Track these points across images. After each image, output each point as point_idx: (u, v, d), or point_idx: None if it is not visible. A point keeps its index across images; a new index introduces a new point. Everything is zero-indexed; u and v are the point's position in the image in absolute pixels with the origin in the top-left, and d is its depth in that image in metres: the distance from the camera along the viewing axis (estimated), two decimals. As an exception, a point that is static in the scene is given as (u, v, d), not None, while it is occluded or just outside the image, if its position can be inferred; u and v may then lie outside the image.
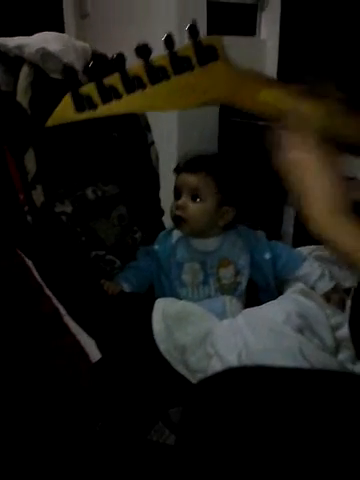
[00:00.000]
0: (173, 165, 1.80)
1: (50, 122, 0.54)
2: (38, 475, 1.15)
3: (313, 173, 0.53)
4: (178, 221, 1.02)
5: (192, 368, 0.85)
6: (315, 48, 1.99)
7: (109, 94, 0.51)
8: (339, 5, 1.83)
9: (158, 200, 1.29)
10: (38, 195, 0.88)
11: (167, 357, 0.86)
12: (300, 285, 0.97)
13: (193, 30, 0.49)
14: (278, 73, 2.22)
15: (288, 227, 2.29)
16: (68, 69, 0.50)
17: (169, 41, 0.49)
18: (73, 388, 1.50)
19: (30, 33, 0.98)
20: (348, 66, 1.81)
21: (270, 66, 2.28)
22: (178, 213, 1.01)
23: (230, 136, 2.05)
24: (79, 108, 0.52)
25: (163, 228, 1.28)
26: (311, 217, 0.53)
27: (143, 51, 0.51)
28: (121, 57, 0.52)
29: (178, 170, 1.04)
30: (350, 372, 0.80)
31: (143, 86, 0.51)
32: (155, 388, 0.95)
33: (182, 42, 1.85)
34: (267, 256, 1.04)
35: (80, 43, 0.99)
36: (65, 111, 0.54)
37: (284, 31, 2.15)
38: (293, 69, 2.13)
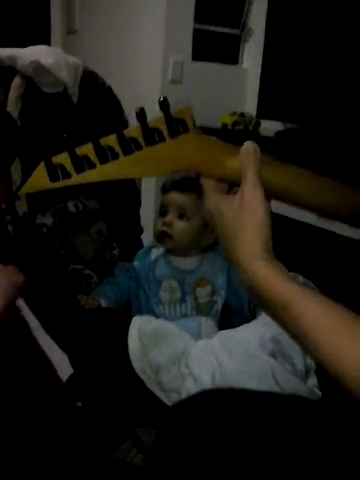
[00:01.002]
0: (153, 184, 1.83)
1: (25, 190, 0.56)
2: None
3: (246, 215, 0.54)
4: (163, 237, 1.03)
5: (165, 387, 0.85)
6: (296, 78, 2.06)
7: (82, 163, 0.53)
8: (322, 38, 1.91)
9: (138, 217, 1.30)
10: (21, 205, 0.88)
11: (141, 376, 0.87)
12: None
13: (164, 104, 0.52)
14: (258, 103, 2.29)
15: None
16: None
17: (141, 114, 0.52)
18: (39, 403, 1.47)
19: (17, 46, 0.99)
20: (330, 100, 1.89)
21: (251, 94, 2.35)
22: (164, 229, 1.02)
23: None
24: (53, 178, 0.54)
25: (141, 246, 1.29)
26: (241, 258, 0.53)
27: (118, 125, 0.53)
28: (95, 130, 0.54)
29: (165, 189, 1.06)
30: (318, 398, 0.82)
31: (116, 156, 0.54)
32: (126, 406, 0.94)
33: (167, 66, 1.88)
34: None
35: (72, 58, 1.00)
36: (39, 179, 0.55)
37: (266, 61, 2.23)
38: (273, 100, 2.21)
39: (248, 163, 0.54)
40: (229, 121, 2.11)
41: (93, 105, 0.97)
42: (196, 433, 0.60)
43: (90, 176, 0.54)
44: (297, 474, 0.56)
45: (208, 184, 0.58)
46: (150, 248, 1.12)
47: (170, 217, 1.03)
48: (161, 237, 1.05)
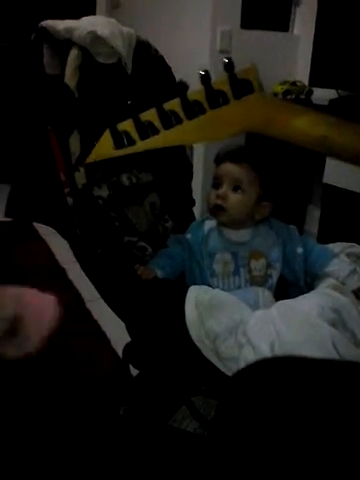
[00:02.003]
0: (201, 156, 1.81)
1: (92, 158, 0.56)
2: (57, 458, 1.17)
3: None
4: (217, 210, 1.02)
5: (222, 356, 0.86)
6: (350, 44, 1.97)
7: (146, 130, 0.53)
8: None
9: (190, 190, 1.29)
10: (80, 177, 0.90)
11: (198, 344, 0.87)
12: (333, 281, 0.97)
13: (229, 65, 0.50)
14: (310, 71, 2.20)
15: (312, 227, 2.29)
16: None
17: (206, 77, 0.50)
18: (93, 372, 1.52)
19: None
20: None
21: (302, 62, 2.27)
22: (218, 202, 1.01)
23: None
24: (118, 145, 0.54)
25: (194, 218, 1.29)
26: None
27: (180, 88, 0.52)
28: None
29: (219, 160, 1.04)
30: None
31: (180, 121, 0.53)
32: (182, 374, 0.96)
33: (215, 37, 1.85)
34: (299, 250, 1.04)
35: (126, 29, 1.00)
36: (105, 147, 0.55)
37: (319, 29, 2.13)
38: (326, 68, 2.12)
39: None
40: (280, 90, 2.05)
41: (146, 75, 0.97)
42: (257, 401, 0.60)
43: (154, 142, 0.54)
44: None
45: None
46: (203, 220, 1.12)
47: (224, 189, 1.02)
48: (215, 210, 1.04)
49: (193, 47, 2.14)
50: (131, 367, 1.08)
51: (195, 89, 0.55)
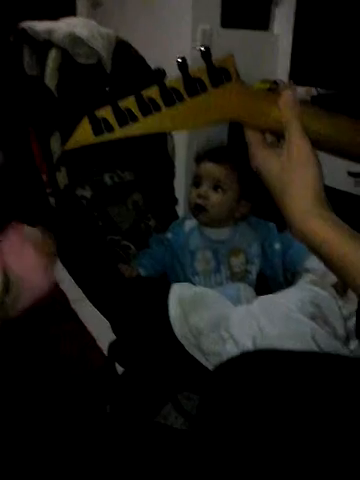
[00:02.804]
0: (183, 155, 1.82)
1: (69, 145, 0.56)
2: (45, 459, 1.18)
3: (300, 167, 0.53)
4: (198, 210, 1.03)
5: (206, 351, 0.87)
6: (329, 43, 2.00)
7: (125, 117, 0.53)
8: (356, 1, 1.83)
9: (172, 188, 1.31)
10: (62, 177, 0.90)
11: (182, 341, 0.89)
12: (312, 275, 0.99)
13: (206, 54, 0.51)
14: (290, 69, 2.23)
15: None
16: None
17: (183, 64, 0.51)
18: (80, 371, 1.53)
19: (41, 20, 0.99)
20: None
21: (282, 62, 2.29)
22: (199, 202, 1.03)
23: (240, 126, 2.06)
24: (97, 132, 0.54)
25: (176, 216, 1.30)
26: (293, 217, 0.53)
27: (158, 75, 0.52)
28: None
29: (199, 158, 1.05)
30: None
31: (158, 108, 0.53)
32: (167, 371, 0.97)
33: (195, 36, 1.85)
34: (277, 246, 1.06)
35: (105, 30, 1.00)
36: (83, 134, 0.55)
37: (298, 27, 2.16)
38: (305, 66, 2.14)
39: (291, 116, 0.52)
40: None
41: (126, 74, 0.97)
42: (239, 393, 0.61)
43: (133, 129, 0.54)
44: (341, 433, 0.57)
45: (254, 138, 0.56)
46: (183, 220, 1.13)
47: (205, 189, 1.03)
48: (196, 210, 1.05)
49: (174, 45, 2.15)
50: (117, 365, 1.09)
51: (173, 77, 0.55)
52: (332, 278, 1.01)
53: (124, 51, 1.06)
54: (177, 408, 1.13)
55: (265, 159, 0.55)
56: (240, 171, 1.02)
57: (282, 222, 1.16)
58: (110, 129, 0.53)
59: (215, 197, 1.03)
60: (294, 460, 0.56)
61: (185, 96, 0.53)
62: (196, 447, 0.64)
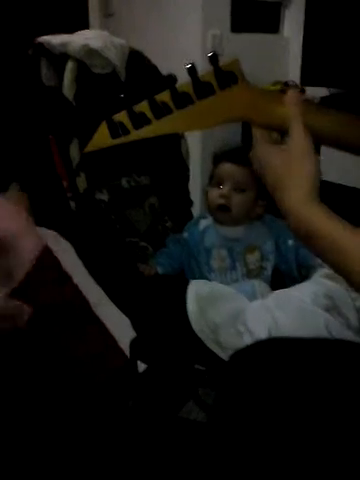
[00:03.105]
0: (198, 157, 1.85)
1: (89, 148, 0.61)
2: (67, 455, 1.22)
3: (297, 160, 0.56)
4: (222, 210, 1.06)
5: (224, 345, 0.90)
6: (339, 43, 2.01)
7: (140, 120, 0.57)
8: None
9: (187, 191, 1.34)
10: (82, 182, 0.95)
11: (200, 336, 0.92)
12: (326, 270, 1.01)
13: (214, 58, 0.55)
14: (301, 71, 2.25)
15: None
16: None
17: (192, 70, 0.55)
18: (102, 372, 1.56)
19: (55, 32, 1.04)
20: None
21: (293, 64, 2.32)
22: (223, 202, 1.05)
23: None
24: (114, 135, 0.58)
25: (192, 218, 1.33)
26: (289, 205, 0.56)
27: (169, 80, 0.56)
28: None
29: (218, 159, 1.08)
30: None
31: (170, 111, 0.57)
32: (187, 366, 1.00)
33: (205, 41, 1.89)
34: (290, 242, 1.09)
35: (117, 40, 1.05)
36: (102, 137, 0.60)
37: (308, 29, 2.18)
38: (316, 67, 2.16)
39: (294, 113, 0.56)
40: (272, 91, 2.09)
41: (140, 82, 1.02)
42: (254, 379, 0.64)
43: (147, 131, 0.58)
44: (353, 417, 0.59)
45: (258, 134, 0.59)
46: (198, 219, 1.16)
47: (228, 189, 1.05)
48: (219, 210, 1.07)
49: (185, 51, 2.19)
50: (139, 363, 1.12)
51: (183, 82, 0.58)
52: None
53: (137, 60, 1.10)
54: (199, 403, 1.15)
55: (267, 153, 0.59)
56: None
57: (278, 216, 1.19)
58: (126, 132, 0.58)
59: (238, 197, 1.05)
60: (308, 444, 0.58)
61: (195, 99, 0.57)
62: (215, 434, 0.67)
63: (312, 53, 2.18)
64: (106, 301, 1.09)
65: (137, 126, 0.57)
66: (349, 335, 0.85)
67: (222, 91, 0.57)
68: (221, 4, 2.16)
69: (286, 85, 2.15)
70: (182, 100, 0.56)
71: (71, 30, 1.06)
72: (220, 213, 1.08)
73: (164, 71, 1.21)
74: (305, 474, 0.57)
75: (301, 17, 2.22)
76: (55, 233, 1.08)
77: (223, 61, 0.58)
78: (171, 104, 0.57)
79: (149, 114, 0.57)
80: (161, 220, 1.28)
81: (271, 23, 2.35)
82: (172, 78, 0.56)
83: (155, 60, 1.21)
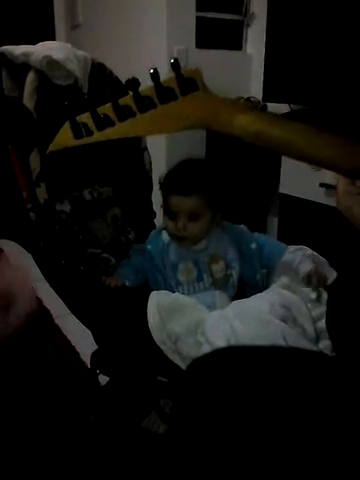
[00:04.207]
0: (163, 167, 1.86)
1: (51, 147, 0.61)
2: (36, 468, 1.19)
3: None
4: (181, 240, 1.08)
5: (184, 356, 0.91)
6: (300, 60, 2.08)
7: (103, 122, 0.58)
8: (325, 21, 1.93)
9: (150, 203, 1.35)
10: (42, 192, 0.94)
11: (161, 347, 0.92)
12: (284, 280, 1.04)
13: (176, 65, 0.56)
14: (264, 86, 2.31)
15: (271, 235, 2.37)
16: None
17: (155, 74, 0.56)
18: (66, 383, 1.55)
19: (22, 43, 1.04)
20: (333, 80, 1.91)
21: (256, 78, 2.38)
22: (179, 234, 1.06)
23: (218, 138, 2.12)
24: (77, 135, 0.58)
25: (155, 229, 1.34)
26: None
27: (132, 84, 0.58)
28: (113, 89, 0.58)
29: (166, 191, 1.08)
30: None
31: (133, 114, 0.58)
32: (148, 378, 1.00)
33: (171, 53, 1.92)
34: (253, 246, 1.11)
35: (80, 52, 1.06)
36: (64, 137, 0.60)
37: (269, 46, 2.25)
38: (278, 83, 2.23)
39: None
40: (235, 106, 2.14)
41: (102, 94, 1.02)
42: (212, 385, 0.65)
43: (109, 133, 0.59)
44: (312, 422, 0.60)
45: (341, 187, 0.62)
46: (161, 230, 1.17)
47: (182, 221, 1.05)
48: (178, 240, 1.09)
49: (151, 65, 2.22)
50: (101, 376, 1.11)
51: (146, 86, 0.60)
52: (306, 267, 1.06)
53: (100, 72, 1.11)
54: (160, 415, 1.15)
55: (349, 206, 0.61)
56: (209, 195, 1.05)
57: (251, 224, 1.21)
58: (89, 133, 0.58)
59: (194, 226, 1.06)
60: (264, 450, 0.59)
61: (157, 103, 0.58)
62: (172, 443, 0.67)
63: (273, 70, 2.24)
64: (67, 313, 1.09)
65: (100, 128, 0.58)
66: (306, 344, 0.87)
67: (184, 97, 0.58)
68: (186, 20, 2.20)
69: (248, 100, 2.21)
70: (145, 104, 0.57)
71: (37, 41, 1.06)
72: (180, 242, 1.09)
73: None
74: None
75: (263, 35, 2.29)
76: (17, 245, 1.07)
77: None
78: (134, 107, 0.58)
79: (113, 116, 0.58)
80: (124, 231, 1.28)
81: (234, 40, 2.41)
82: (135, 81, 0.57)
83: (121, 73, 1.21)
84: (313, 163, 0.61)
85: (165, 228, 1.12)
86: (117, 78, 1.16)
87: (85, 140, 0.59)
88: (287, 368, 0.65)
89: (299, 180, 1.78)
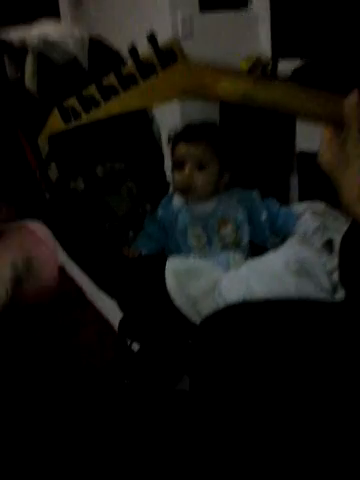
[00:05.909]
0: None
1: (44, 134, 0.63)
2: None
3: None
4: (187, 191, 1.09)
5: (204, 316, 0.94)
6: (307, 16, 2.02)
7: (89, 103, 0.59)
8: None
9: (164, 173, 1.36)
10: (53, 172, 0.97)
11: (182, 309, 0.95)
12: (297, 236, 1.04)
13: (152, 38, 0.57)
14: (272, 43, 2.26)
15: (294, 196, 2.35)
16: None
17: (133, 51, 0.57)
18: (99, 354, 1.63)
19: (26, 21, 1.05)
20: (342, 37, 1.85)
21: (264, 36, 2.32)
22: (186, 182, 1.07)
23: (232, 106, 2.10)
24: (66, 119, 0.60)
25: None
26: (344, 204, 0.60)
27: (115, 63, 0.58)
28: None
29: (174, 141, 1.10)
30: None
31: (116, 92, 0.59)
32: (179, 341, 1.03)
33: (175, 19, 1.88)
34: (263, 217, 1.11)
35: (76, 29, 1.06)
36: (55, 123, 0.62)
37: (275, 2, 2.19)
38: (286, 39, 2.17)
39: (351, 117, 0.57)
40: (245, 67, 2.10)
41: (103, 69, 1.04)
42: (225, 342, 0.67)
43: (96, 113, 0.61)
44: (325, 374, 0.61)
45: (326, 137, 0.61)
46: (171, 196, 1.19)
47: (190, 170, 1.07)
48: (184, 191, 1.10)
49: (154, 32, 2.19)
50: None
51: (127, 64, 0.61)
52: (318, 239, 1.06)
53: (99, 48, 1.12)
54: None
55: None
56: (216, 145, 1.07)
57: (263, 189, 1.21)
58: (77, 116, 0.60)
59: (201, 176, 1.07)
60: (280, 401, 0.61)
61: (139, 80, 0.59)
62: (193, 400, 0.71)
63: (281, 25, 2.18)
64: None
65: (87, 109, 0.60)
66: (321, 296, 0.88)
67: (164, 70, 0.59)
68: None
69: (258, 59, 2.16)
70: (127, 81, 0.59)
71: (41, 16, 1.07)
72: (186, 193, 1.10)
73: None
74: (278, 433, 0.60)
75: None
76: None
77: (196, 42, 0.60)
78: (117, 86, 0.59)
79: (97, 97, 0.60)
80: (140, 204, 1.31)
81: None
82: (134, 50, 0.58)
83: (124, 46, 1.21)
84: (300, 117, 0.62)
85: (173, 186, 1.12)
86: (117, 51, 1.16)
87: (74, 123, 0.61)
88: (297, 317, 0.67)
89: (316, 134, 1.74)
